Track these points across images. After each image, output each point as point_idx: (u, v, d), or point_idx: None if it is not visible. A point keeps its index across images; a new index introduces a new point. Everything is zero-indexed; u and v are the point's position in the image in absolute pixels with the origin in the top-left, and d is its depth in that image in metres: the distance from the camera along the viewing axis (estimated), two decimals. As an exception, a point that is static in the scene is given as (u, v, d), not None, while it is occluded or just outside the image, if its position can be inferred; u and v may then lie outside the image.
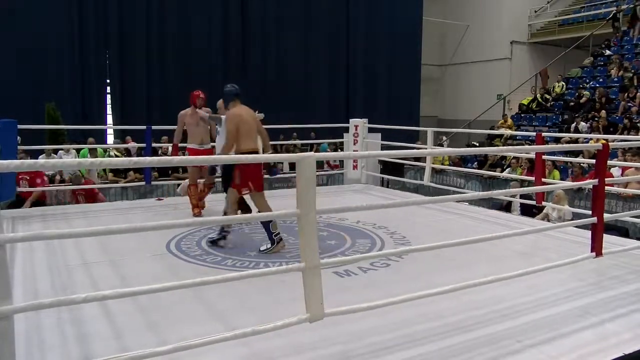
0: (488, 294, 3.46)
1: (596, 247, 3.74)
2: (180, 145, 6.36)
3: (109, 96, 14.93)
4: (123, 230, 2.44)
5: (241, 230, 5.39)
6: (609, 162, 4.99)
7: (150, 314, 3.18)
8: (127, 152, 10.42)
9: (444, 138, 14.64)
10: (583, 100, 13.68)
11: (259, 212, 4.65)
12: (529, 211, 7.70)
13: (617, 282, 3.90)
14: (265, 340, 2.70)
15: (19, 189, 6.47)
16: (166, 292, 2.61)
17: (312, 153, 2.56)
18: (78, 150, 10.01)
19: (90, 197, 8.05)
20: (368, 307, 2.78)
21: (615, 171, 8.24)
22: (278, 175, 7.09)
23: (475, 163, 12.04)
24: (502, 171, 10.07)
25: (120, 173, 10.06)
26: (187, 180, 6.30)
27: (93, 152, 9.84)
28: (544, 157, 6.04)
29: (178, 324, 3.06)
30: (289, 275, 2.78)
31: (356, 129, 8.52)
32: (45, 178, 8.11)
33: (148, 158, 2.45)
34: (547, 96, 15.33)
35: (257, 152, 4.75)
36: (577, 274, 3.98)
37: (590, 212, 3.83)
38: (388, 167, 10.24)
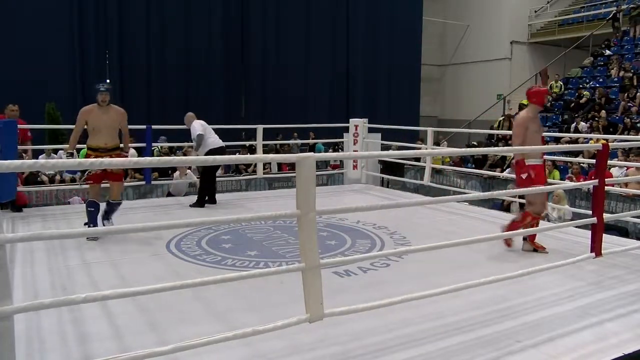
0: (488, 294, 3.46)
1: (596, 247, 3.74)
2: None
3: (108, 96, 14.91)
4: (123, 230, 2.44)
5: (241, 230, 5.41)
6: (609, 162, 4.98)
7: (150, 314, 3.18)
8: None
9: (441, 138, 14.63)
10: (583, 100, 13.67)
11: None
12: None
13: (617, 282, 3.90)
14: (266, 341, 2.70)
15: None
16: (166, 292, 2.60)
17: (311, 153, 2.56)
18: (78, 150, 9.97)
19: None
20: (368, 307, 2.78)
21: (616, 171, 8.23)
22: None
23: (472, 164, 11.98)
24: (502, 171, 10.06)
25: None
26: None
27: None
28: (544, 157, 6.02)
29: (178, 324, 3.06)
30: (288, 275, 2.78)
31: (356, 129, 8.52)
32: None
33: (148, 158, 2.45)
34: (547, 96, 15.32)
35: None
36: (577, 274, 3.98)
37: (590, 212, 3.83)
38: (388, 167, 10.23)
